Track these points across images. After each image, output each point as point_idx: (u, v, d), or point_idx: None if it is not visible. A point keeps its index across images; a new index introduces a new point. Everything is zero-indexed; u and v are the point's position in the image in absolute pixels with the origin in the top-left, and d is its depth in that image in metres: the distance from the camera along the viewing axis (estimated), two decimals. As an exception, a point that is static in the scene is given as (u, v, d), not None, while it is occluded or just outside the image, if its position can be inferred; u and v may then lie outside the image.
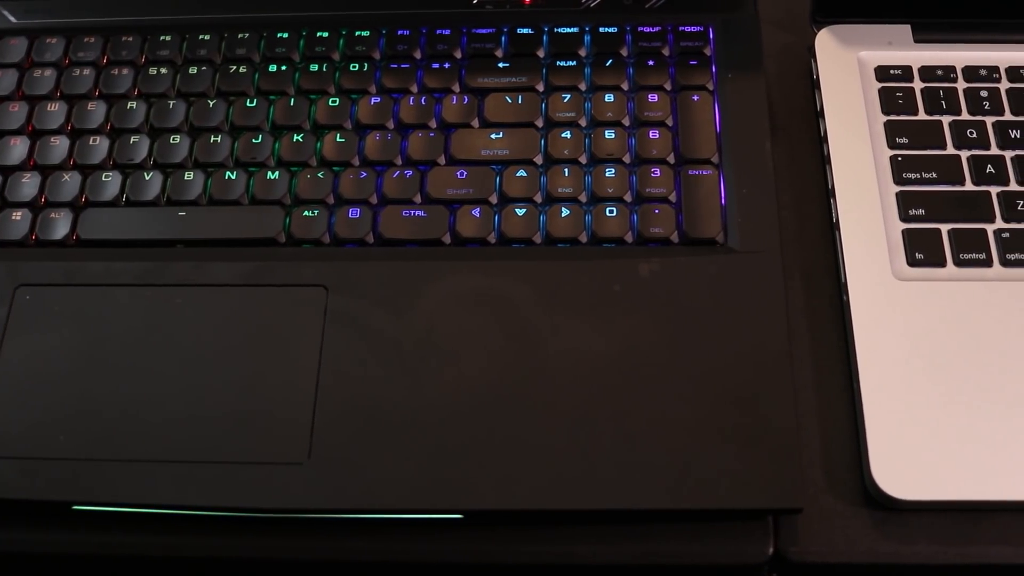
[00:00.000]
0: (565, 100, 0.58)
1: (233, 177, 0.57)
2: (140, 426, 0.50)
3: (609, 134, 0.56)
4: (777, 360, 0.50)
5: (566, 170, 0.56)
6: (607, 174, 0.55)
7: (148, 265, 0.54)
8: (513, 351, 0.51)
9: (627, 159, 0.56)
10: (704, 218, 0.54)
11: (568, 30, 0.60)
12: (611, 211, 0.54)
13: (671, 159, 0.56)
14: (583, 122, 0.57)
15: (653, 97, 0.57)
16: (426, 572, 0.50)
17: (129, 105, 0.59)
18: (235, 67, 0.60)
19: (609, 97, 0.58)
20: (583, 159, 0.56)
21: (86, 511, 0.49)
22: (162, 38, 0.61)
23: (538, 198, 0.55)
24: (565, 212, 0.54)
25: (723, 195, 0.55)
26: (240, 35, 0.61)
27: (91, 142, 0.58)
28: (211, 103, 0.59)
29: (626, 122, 0.57)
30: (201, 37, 0.61)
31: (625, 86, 0.58)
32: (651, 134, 0.56)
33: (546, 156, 0.56)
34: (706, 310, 0.52)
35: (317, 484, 0.49)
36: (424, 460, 0.49)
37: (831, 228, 0.56)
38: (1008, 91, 0.58)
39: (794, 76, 0.61)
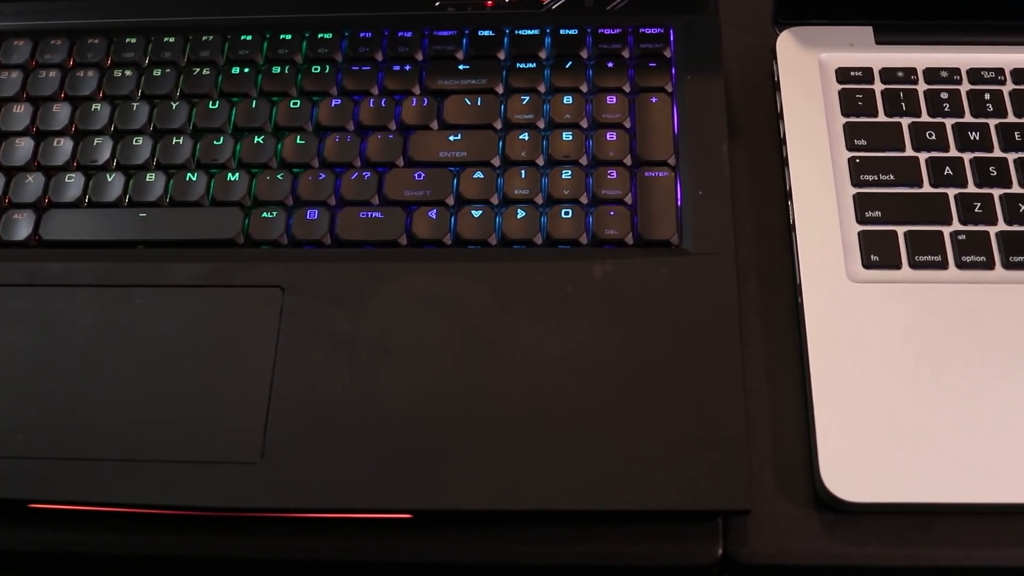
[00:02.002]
0: (524, 102, 0.58)
1: (194, 179, 0.57)
2: (96, 425, 0.51)
3: (566, 136, 0.57)
4: (728, 362, 0.50)
5: (523, 172, 0.56)
6: (563, 176, 0.56)
7: (108, 266, 0.55)
8: (466, 352, 0.51)
9: (584, 161, 0.56)
10: (659, 220, 0.54)
11: (529, 32, 0.60)
12: (566, 213, 0.55)
13: (628, 161, 0.56)
14: (541, 124, 0.57)
15: (611, 99, 0.58)
16: (376, 572, 0.50)
17: (93, 107, 0.60)
18: (199, 69, 0.60)
19: (567, 99, 0.58)
20: (540, 161, 0.56)
21: (42, 509, 0.50)
22: (127, 41, 0.61)
23: (494, 200, 0.55)
24: (521, 214, 0.55)
25: (679, 197, 0.55)
26: (204, 38, 0.61)
27: (55, 144, 0.59)
28: (174, 105, 0.59)
29: (584, 124, 0.57)
30: (166, 39, 0.61)
31: (584, 88, 0.58)
32: (608, 136, 0.57)
33: (503, 158, 0.57)
34: (658, 312, 0.52)
35: (269, 483, 0.49)
36: (375, 460, 0.49)
37: (789, 230, 0.56)
38: (968, 93, 0.58)
39: (756, 78, 0.61)
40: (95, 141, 0.59)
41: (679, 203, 0.55)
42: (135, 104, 0.60)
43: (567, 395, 0.50)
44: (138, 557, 0.50)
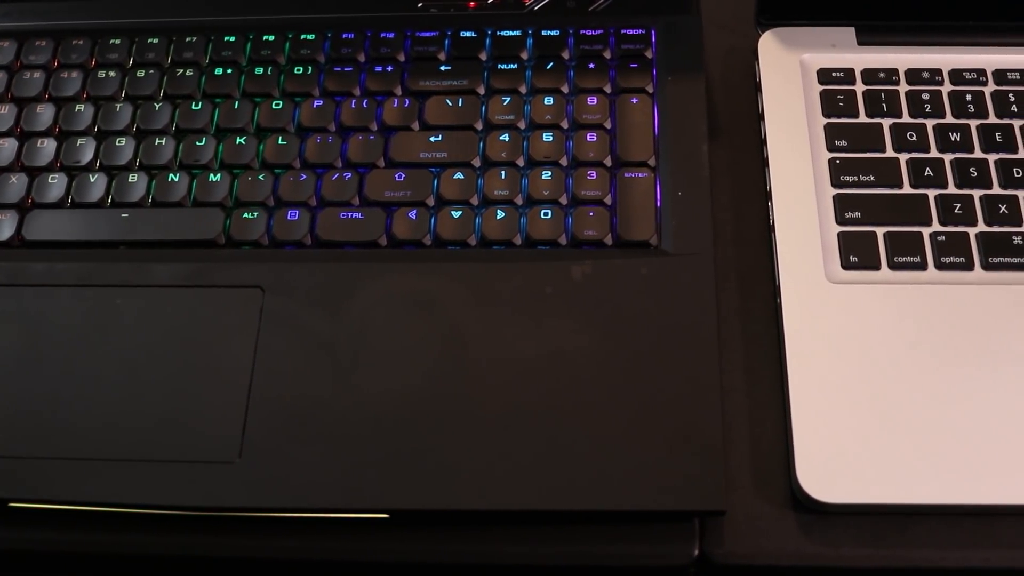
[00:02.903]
0: (505, 103, 0.58)
1: (176, 179, 0.57)
2: (77, 425, 0.51)
3: (547, 137, 0.57)
4: (705, 363, 0.50)
5: (503, 173, 0.56)
6: (543, 176, 0.56)
7: (90, 266, 0.55)
8: (444, 353, 0.51)
9: (564, 162, 0.56)
10: (638, 221, 0.54)
11: (511, 33, 0.60)
12: (546, 213, 0.55)
13: (608, 162, 0.56)
14: (522, 125, 0.57)
15: (592, 100, 0.58)
16: (354, 571, 0.50)
17: (77, 108, 0.60)
18: (182, 70, 0.61)
19: (548, 100, 0.58)
20: (520, 162, 0.56)
21: (22, 508, 0.50)
22: (111, 42, 0.62)
23: (474, 200, 0.55)
24: (500, 214, 0.55)
25: (658, 198, 0.55)
26: (188, 39, 0.61)
27: (39, 144, 0.59)
28: (157, 106, 0.60)
29: (564, 125, 0.57)
30: (150, 41, 0.61)
31: (565, 89, 0.58)
32: (588, 137, 0.57)
33: (484, 159, 0.57)
34: (637, 313, 0.52)
35: (247, 483, 0.49)
36: (353, 460, 0.49)
37: (769, 231, 0.56)
38: (950, 94, 0.58)
39: (738, 78, 0.61)
40: (78, 142, 0.59)
41: (658, 204, 0.55)
42: (118, 105, 0.60)
43: (544, 396, 0.50)
44: (117, 556, 0.50)
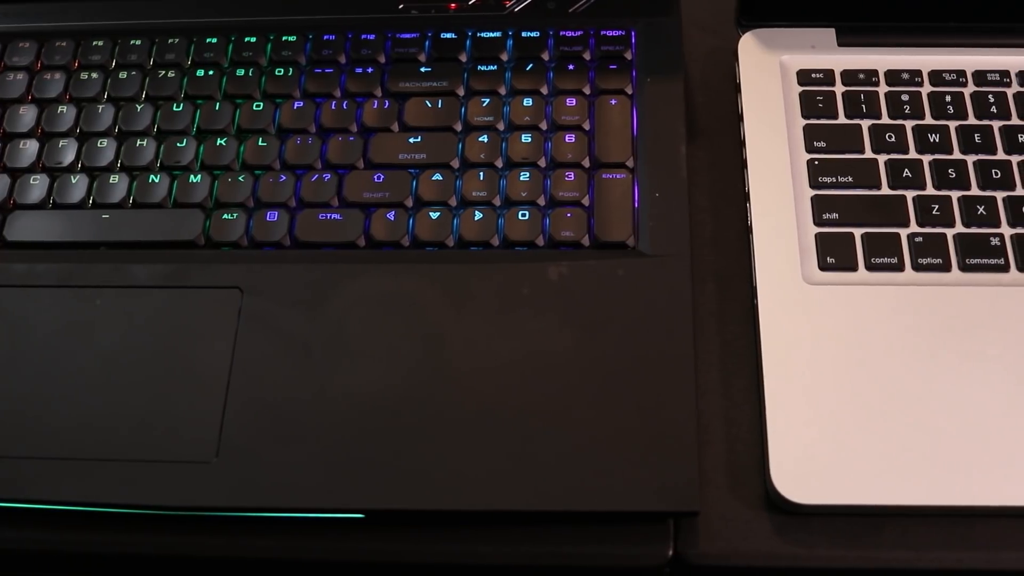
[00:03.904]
0: (484, 104, 0.58)
1: (156, 180, 0.58)
2: (54, 425, 0.51)
3: (525, 138, 0.57)
4: (680, 363, 0.50)
5: (481, 174, 0.56)
6: (521, 178, 0.56)
7: (70, 267, 0.55)
8: (421, 353, 0.51)
9: (542, 163, 0.56)
10: (615, 222, 0.54)
11: (491, 35, 0.60)
12: (523, 215, 0.55)
13: (586, 163, 0.56)
14: (501, 126, 0.58)
15: (571, 101, 0.58)
16: (329, 571, 0.51)
17: (59, 109, 0.60)
18: (164, 72, 0.61)
19: (527, 101, 0.58)
20: (499, 163, 0.56)
21: (-1, 508, 0.51)
22: (94, 43, 0.62)
23: (452, 201, 0.56)
24: (478, 215, 0.55)
25: (636, 199, 0.55)
26: (170, 40, 0.62)
27: (21, 145, 0.59)
28: (139, 107, 0.60)
29: (543, 126, 0.57)
30: (132, 42, 0.62)
31: (544, 90, 0.59)
32: (567, 138, 0.57)
33: (462, 160, 0.57)
34: (613, 313, 0.52)
35: (223, 483, 0.49)
36: (329, 460, 0.50)
37: (747, 232, 0.56)
38: (930, 95, 0.58)
39: (719, 80, 0.61)
40: (60, 143, 0.59)
41: (636, 205, 0.55)
42: (100, 106, 0.60)
43: (520, 397, 0.50)
44: (93, 556, 0.50)
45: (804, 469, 0.49)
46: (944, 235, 0.54)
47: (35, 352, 0.53)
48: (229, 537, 0.50)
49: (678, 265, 0.53)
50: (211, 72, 0.61)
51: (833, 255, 0.54)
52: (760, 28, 0.61)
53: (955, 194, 0.55)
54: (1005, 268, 0.53)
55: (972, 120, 0.57)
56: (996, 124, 0.57)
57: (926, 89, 0.58)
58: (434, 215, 0.55)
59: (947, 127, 0.57)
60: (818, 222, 0.55)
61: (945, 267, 0.54)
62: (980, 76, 0.58)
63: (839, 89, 0.58)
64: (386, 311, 0.53)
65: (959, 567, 0.49)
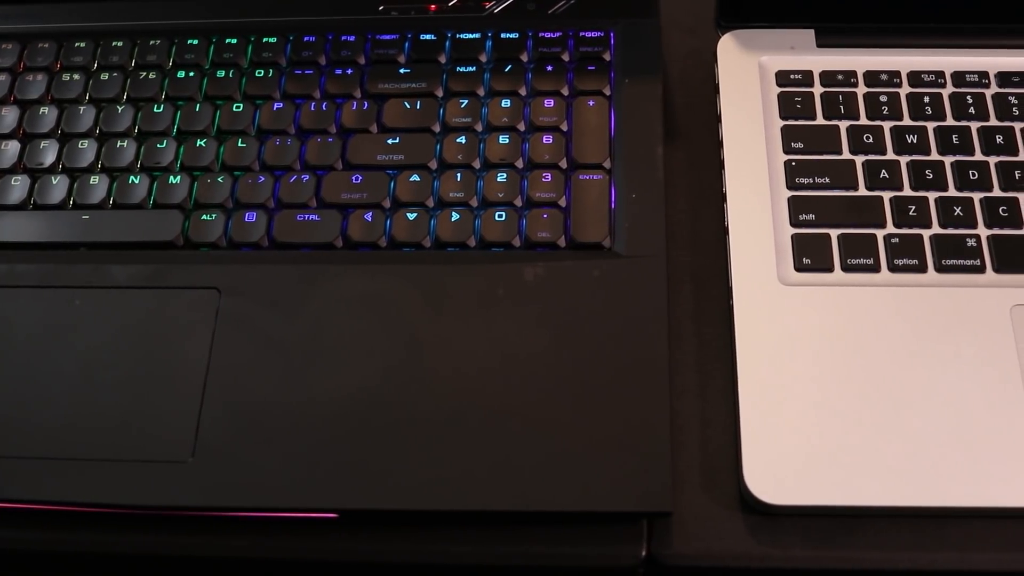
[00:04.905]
0: (462, 105, 0.58)
1: (136, 181, 0.58)
2: (32, 424, 0.51)
3: (503, 139, 0.57)
4: (654, 365, 0.51)
5: (458, 175, 0.56)
6: (499, 179, 0.56)
7: (51, 267, 0.56)
8: (396, 354, 0.52)
9: (519, 164, 0.56)
10: (591, 223, 0.54)
11: (470, 36, 0.60)
12: (500, 215, 0.55)
13: (563, 164, 0.56)
14: (479, 127, 0.58)
15: (549, 102, 0.58)
16: (302, 570, 0.51)
17: (41, 111, 0.60)
18: (145, 73, 0.61)
19: (506, 102, 0.58)
20: (476, 164, 0.57)
21: (-25, 507, 0.51)
22: (77, 45, 0.62)
23: (430, 202, 0.56)
24: (455, 216, 0.55)
25: (613, 200, 0.55)
26: (152, 42, 0.62)
27: (2, 147, 0.59)
28: (120, 109, 0.60)
29: (521, 127, 0.57)
30: (114, 44, 0.62)
31: (523, 91, 0.59)
32: (544, 139, 0.57)
33: (440, 161, 0.57)
34: (588, 314, 0.52)
35: (198, 482, 0.50)
36: (304, 460, 0.50)
37: (724, 233, 0.56)
38: (908, 96, 0.58)
39: (698, 81, 0.61)
40: (41, 144, 0.59)
41: (612, 206, 0.55)
42: (82, 108, 0.60)
43: (494, 397, 0.50)
44: (68, 554, 0.51)
45: (778, 470, 0.49)
46: (920, 236, 0.54)
47: (13, 352, 0.53)
48: (204, 536, 0.50)
49: (654, 266, 0.53)
50: (192, 73, 0.61)
51: (809, 256, 0.54)
52: (740, 29, 0.61)
53: (932, 195, 0.55)
54: (981, 269, 0.53)
55: (950, 121, 0.57)
56: (974, 125, 0.57)
57: (904, 90, 0.58)
58: (411, 216, 0.55)
59: (925, 128, 0.57)
60: (795, 223, 0.55)
61: (921, 268, 0.54)
62: (959, 77, 0.58)
63: (817, 90, 0.59)
64: (362, 312, 0.53)
65: (932, 568, 0.49)
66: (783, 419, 0.50)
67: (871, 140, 0.57)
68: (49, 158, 0.59)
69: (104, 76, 0.61)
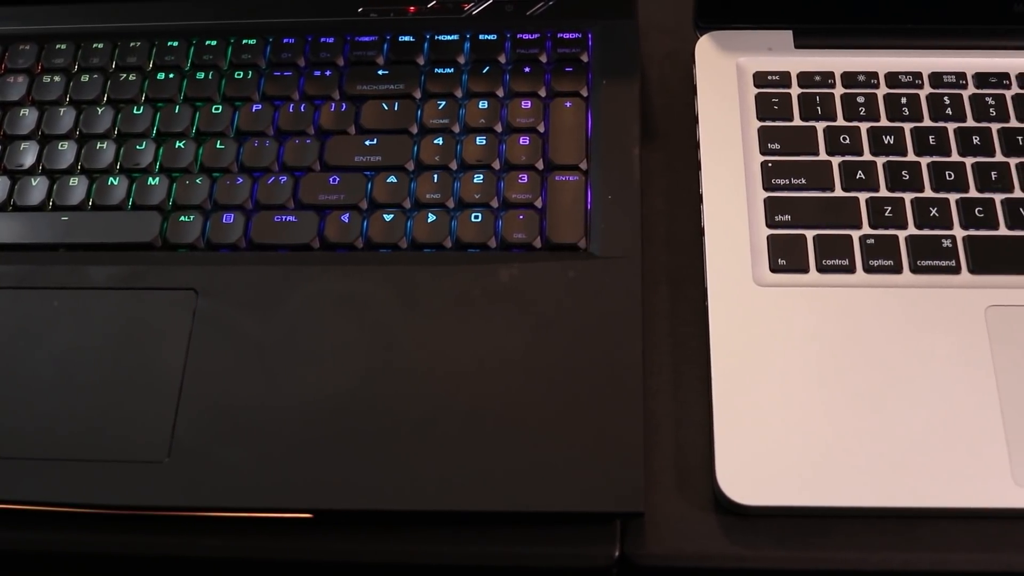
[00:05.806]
0: (440, 107, 0.58)
1: (115, 183, 0.58)
2: (8, 424, 0.52)
3: (480, 140, 0.57)
4: (628, 366, 0.51)
5: (435, 176, 0.56)
6: (475, 180, 0.56)
7: (29, 268, 0.56)
8: (372, 355, 0.52)
9: (496, 165, 0.57)
10: (567, 224, 0.55)
11: (448, 37, 0.61)
12: (476, 217, 0.55)
13: (539, 165, 0.56)
14: (456, 128, 0.58)
15: (526, 104, 0.58)
16: (277, 570, 0.51)
17: (21, 112, 0.61)
18: (125, 75, 0.61)
19: (483, 104, 0.58)
20: (453, 165, 0.57)
21: (-50, 506, 0.51)
22: (57, 47, 0.62)
23: (406, 204, 0.56)
24: (432, 217, 0.55)
25: (589, 201, 0.55)
26: (132, 44, 0.62)
27: (-18, 149, 0.60)
28: (100, 111, 0.60)
29: (498, 128, 0.58)
30: (95, 46, 0.62)
31: (500, 93, 0.59)
32: (521, 140, 0.57)
33: (417, 162, 0.57)
34: (562, 315, 0.52)
35: (174, 482, 0.50)
36: (279, 460, 0.50)
37: (701, 234, 0.57)
38: (885, 97, 0.58)
39: (676, 82, 0.61)
40: (21, 146, 0.60)
41: (588, 207, 0.55)
42: (62, 109, 0.61)
43: (469, 398, 0.50)
44: (43, 554, 0.51)
45: (751, 470, 0.49)
46: (896, 237, 0.54)
47: (-9, 353, 0.54)
48: (180, 536, 0.50)
49: (628, 267, 0.53)
50: (172, 75, 0.61)
51: (784, 257, 0.54)
52: (718, 30, 0.61)
53: (908, 196, 0.55)
54: (956, 270, 0.53)
55: (927, 122, 0.57)
56: (951, 126, 0.57)
57: (882, 91, 0.58)
58: (388, 217, 0.55)
59: (902, 129, 0.57)
60: (770, 224, 0.55)
61: (896, 269, 0.54)
62: (936, 78, 0.59)
63: (795, 91, 0.59)
64: (339, 313, 0.53)
65: (905, 568, 0.49)
66: (757, 420, 0.50)
67: (848, 141, 0.57)
68: (29, 159, 0.59)
69: (84, 78, 0.61)
